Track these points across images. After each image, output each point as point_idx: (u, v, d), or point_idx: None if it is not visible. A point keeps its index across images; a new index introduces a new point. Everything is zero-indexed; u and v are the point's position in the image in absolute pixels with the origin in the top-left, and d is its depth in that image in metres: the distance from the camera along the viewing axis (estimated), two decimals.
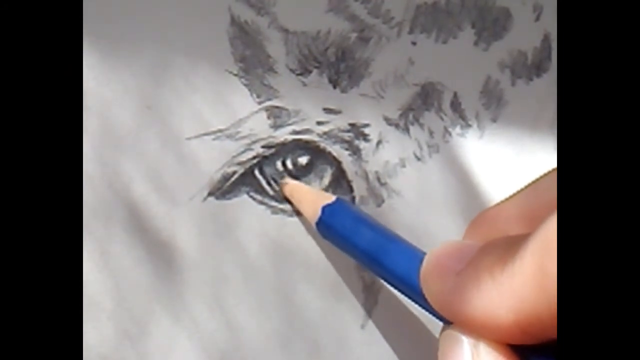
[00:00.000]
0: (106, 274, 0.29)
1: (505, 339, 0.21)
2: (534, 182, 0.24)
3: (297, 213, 0.30)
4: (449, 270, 0.22)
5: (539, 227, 0.20)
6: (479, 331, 0.21)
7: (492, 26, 0.31)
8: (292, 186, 0.29)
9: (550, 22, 0.32)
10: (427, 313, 0.24)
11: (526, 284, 0.19)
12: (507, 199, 0.25)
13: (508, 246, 0.20)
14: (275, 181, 0.30)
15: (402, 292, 0.25)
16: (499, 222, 0.24)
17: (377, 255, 0.26)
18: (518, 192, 0.24)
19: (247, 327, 0.29)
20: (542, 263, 0.19)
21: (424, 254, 0.24)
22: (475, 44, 0.31)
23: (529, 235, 0.20)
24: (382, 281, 0.30)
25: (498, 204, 0.25)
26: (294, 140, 0.30)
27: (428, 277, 0.23)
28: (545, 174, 0.24)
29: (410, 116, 0.31)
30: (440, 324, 0.23)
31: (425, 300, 0.23)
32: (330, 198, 0.28)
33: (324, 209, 0.28)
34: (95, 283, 0.28)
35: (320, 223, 0.28)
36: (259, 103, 0.30)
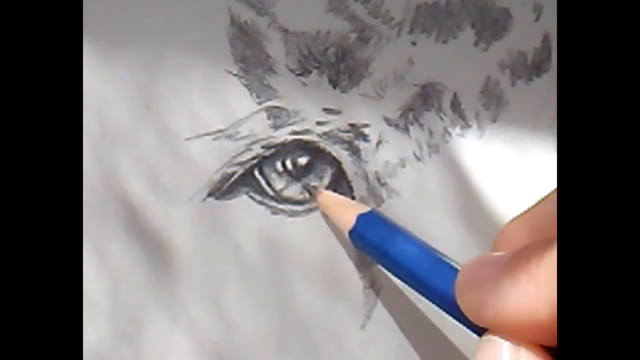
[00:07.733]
0: (104, 273, 0.29)
1: (544, 338, 0.20)
2: (544, 197, 0.24)
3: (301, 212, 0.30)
4: (483, 278, 0.22)
5: None
6: (517, 333, 0.21)
7: (492, 26, 0.31)
8: (325, 195, 0.30)
9: (550, 23, 0.31)
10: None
11: None
12: (518, 217, 0.24)
13: (544, 245, 0.20)
14: (278, 180, 0.30)
15: (438, 305, 0.25)
16: (512, 241, 0.24)
17: (411, 267, 0.26)
18: (529, 209, 0.24)
19: (245, 327, 0.29)
20: None
21: (460, 266, 0.24)
22: (475, 44, 0.31)
23: None
24: (382, 282, 0.30)
25: (510, 222, 0.24)
26: (294, 140, 0.30)
27: (463, 288, 0.23)
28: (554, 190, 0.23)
29: (410, 116, 0.31)
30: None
31: (461, 312, 0.23)
32: (365, 208, 0.29)
33: (358, 218, 0.28)
34: (93, 283, 0.28)
35: (353, 232, 0.28)
36: (259, 103, 0.30)
